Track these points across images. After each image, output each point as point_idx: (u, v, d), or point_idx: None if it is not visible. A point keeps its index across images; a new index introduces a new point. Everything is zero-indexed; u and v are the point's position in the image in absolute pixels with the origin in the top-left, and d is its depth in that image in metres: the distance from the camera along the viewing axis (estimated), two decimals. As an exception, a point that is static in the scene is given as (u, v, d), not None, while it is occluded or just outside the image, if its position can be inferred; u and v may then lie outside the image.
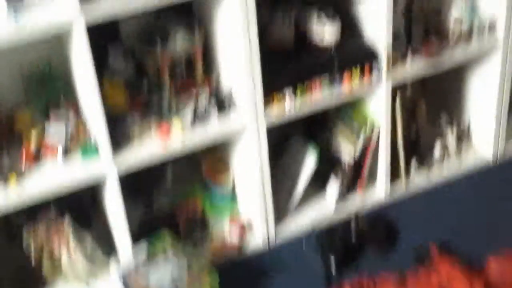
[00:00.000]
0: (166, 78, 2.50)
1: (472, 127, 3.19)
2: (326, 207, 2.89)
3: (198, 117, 2.49)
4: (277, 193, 2.80)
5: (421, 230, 2.80)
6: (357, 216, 2.76)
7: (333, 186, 2.87)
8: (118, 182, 2.40)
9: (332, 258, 2.62)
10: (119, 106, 2.40)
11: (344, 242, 2.70)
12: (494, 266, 2.54)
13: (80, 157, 2.35)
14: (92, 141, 2.36)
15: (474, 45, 2.87)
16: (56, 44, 2.39)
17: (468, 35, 2.86)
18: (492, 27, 2.87)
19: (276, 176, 2.83)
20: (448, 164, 3.10)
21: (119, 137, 2.39)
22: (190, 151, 2.55)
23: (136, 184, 2.66)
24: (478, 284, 2.39)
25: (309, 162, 2.80)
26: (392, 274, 2.54)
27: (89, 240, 2.47)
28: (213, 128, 2.51)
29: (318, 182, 2.92)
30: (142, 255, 2.41)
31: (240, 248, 2.72)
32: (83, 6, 2.12)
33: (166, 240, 2.47)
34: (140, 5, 2.20)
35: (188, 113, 2.47)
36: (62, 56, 2.43)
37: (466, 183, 3.05)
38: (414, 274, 2.52)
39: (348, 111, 2.88)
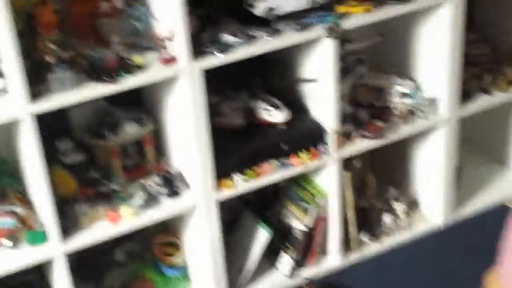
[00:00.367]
0: (116, 165, 2.41)
1: (421, 197, 3.11)
2: (279, 278, 2.79)
3: (148, 201, 2.39)
4: (230, 268, 2.69)
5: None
6: (308, 283, 2.66)
7: (285, 258, 2.78)
8: (67, 266, 2.29)
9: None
10: (68, 193, 2.31)
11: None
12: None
13: (28, 244, 2.24)
14: (41, 227, 2.25)
15: (419, 122, 2.81)
16: (4, 134, 2.28)
17: (412, 113, 2.80)
18: (435, 105, 2.82)
19: (229, 251, 2.73)
20: (399, 233, 3.01)
21: (68, 223, 2.28)
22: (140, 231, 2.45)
23: (86, 265, 2.55)
24: None
25: (261, 238, 2.71)
26: None
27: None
28: (164, 211, 2.42)
29: (271, 254, 2.82)
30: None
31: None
32: (31, 100, 2.04)
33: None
34: (88, 96, 2.13)
35: (138, 198, 2.38)
36: (10, 146, 2.33)
37: (417, 250, 2.97)
38: None
39: (298, 186, 2.80)
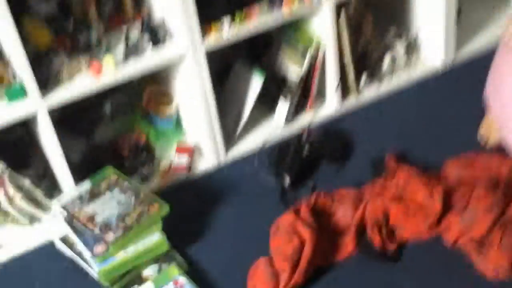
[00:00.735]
0: (93, 15, 2.18)
1: (421, 38, 2.87)
2: (276, 126, 2.62)
3: (131, 51, 2.18)
4: (224, 117, 2.52)
5: (375, 141, 2.53)
6: (308, 129, 2.50)
7: (282, 106, 2.60)
8: (50, 119, 2.12)
9: (286, 173, 2.36)
10: (44, 45, 2.10)
11: (297, 157, 2.42)
12: (451, 170, 2.27)
13: (6, 99, 2.06)
14: (18, 82, 2.06)
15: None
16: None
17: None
18: None
19: (223, 100, 2.56)
20: (398, 75, 2.81)
21: (47, 75, 2.09)
22: (126, 82, 2.26)
23: (76, 119, 2.39)
24: (437, 189, 2.11)
25: (255, 85, 2.51)
26: (349, 188, 2.27)
27: (27, 182, 2.21)
28: (148, 60, 2.21)
29: (267, 104, 2.64)
30: (86, 190, 2.17)
31: (190, 170, 2.46)
32: None
33: (111, 173, 2.21)
34: None
35: (119, 48, 2.16)
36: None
37: (417, 92, 2.77)
38: (371, 186, 2.24)
39: (292, 31, 2.57)
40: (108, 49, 2.17)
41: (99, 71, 2.12)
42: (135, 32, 2.21)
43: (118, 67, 2.15)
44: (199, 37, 2.23)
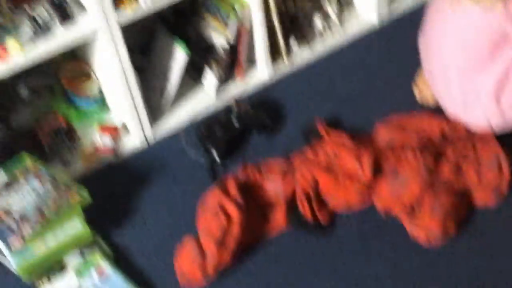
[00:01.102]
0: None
1: (353, -6, 2.86)
2: (205, 98, 2.60)
3: (39, 30, 2.11)
4: (150, 92, 2.49)
5: (308, 107, 2.52)
6: (237, 101, 2.48)
7: (210, 76, 2.57)
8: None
9: (214, 148, 2.36)
10: None
11: (227, 130, 2.41)
12: (382, 133, 2.28)
13: None
14: None
15: None
16: None
17: None
18: None
19: (147, 74, 2.52)
20: (332, 35, 2.79)
21: None
22: (36, 64, 2.19)
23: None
24: (366, 155, 2.10)
25: (179, 58, 2.47)
26: (278, 157, 2.26)
27: None
28: (59, 39, 2.14)
29: (195, 74, 2.61)
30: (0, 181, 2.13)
31: (115, 151, 2.43)
32: None
33: (27, 161, 2.17)
34: None
35: (26, 29, 2.10)
36: None
37: (352, 51, 2.75)
38: (300, 155, 2.23)
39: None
40: (14, 30, 2.10)
41: (4, 57, 2.05)
42: (42, 9, 2.14)
43: (25, 48, 2.09)
44: (112, 9, 2.16)
